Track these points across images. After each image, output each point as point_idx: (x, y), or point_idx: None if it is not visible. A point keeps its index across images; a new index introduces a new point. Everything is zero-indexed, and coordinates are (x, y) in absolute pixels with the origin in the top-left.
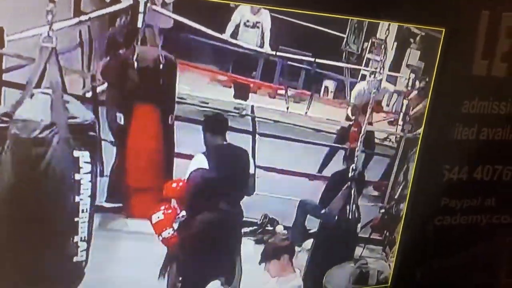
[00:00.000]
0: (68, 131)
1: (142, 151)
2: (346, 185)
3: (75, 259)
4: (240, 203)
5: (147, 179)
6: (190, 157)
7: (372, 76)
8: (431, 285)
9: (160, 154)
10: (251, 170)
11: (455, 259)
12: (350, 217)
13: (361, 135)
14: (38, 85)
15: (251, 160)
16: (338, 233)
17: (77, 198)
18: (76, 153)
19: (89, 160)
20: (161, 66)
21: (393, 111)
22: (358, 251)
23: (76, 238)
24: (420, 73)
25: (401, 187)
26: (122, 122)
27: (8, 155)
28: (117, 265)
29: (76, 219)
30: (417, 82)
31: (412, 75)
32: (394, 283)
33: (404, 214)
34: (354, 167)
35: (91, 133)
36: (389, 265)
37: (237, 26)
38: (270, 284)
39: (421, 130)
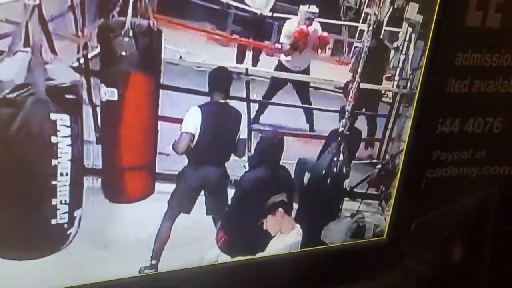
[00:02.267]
0: (45, 93)
1: (125, 123)
2: (337, 140)
3: (53, 221)
4: (225, 164)
5: (135, 154)
6: (176, 120)
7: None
8: (425, 236)
9: (146, 124)
10: (244, 134)
11: (447, 210)
12: (337, 171)
13: (352, 89)
14: (24, 45)
15: (246, 124)
16: (327, 188)
17: (54, 162)
18: (53, 116)
19: (68, 123)
20: (140, 29)
21: (391, 66)
22: (355, 206)
23: (55, 201)
24: (418, 27)
25: (396, 142)
26: (111, 95)
27: None
28: (118, 224)
29: (53, 182)
30: (413, 36)
31: (410, 29)
32: (390, 235)
33: (400, 169)
34: (344, 123)
35: (70, 96)
36: (385, 218)
37: None
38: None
39: (417, 85)
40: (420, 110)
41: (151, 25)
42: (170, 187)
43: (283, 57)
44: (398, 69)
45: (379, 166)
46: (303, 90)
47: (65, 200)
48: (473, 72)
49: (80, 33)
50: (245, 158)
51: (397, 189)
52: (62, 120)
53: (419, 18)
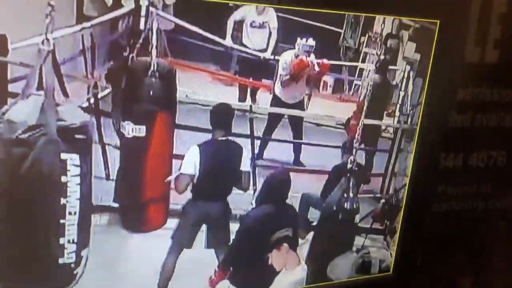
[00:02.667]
0: (56, 133)
1: (149, 157)
2: (345, 177)
3: (60, 260)
4: (227, 198)
5: (155, 187)
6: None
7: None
8: (432, 271)
9: (165, 159)
10: (247, 168)
11: (454, 243)
12: (348, 208)
13: (359, 127)
14: (38, 88)
15: (249, 158)
16: (338, 224)
17: (63, 201)
18: (63, 156)
19: (78, 163)
20: (163, 70)
21: (391, 103)
22: (360, 241)
23: (62, 240)
24: (416, 64)
25: (399, 177)
26: (139, 132)
27: None
28: (123, 261)
29: (62, 221)
30: (411, 74)
31: (408, 67)
32: (396, 271)
33: (404, 203)
34: (352, 159)
35: (79, 136)
36: (390, 253)
37: (238, 23)
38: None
39: (417, 121)
40: (421, 145)
41: (170, 66)
42: (174, 222)
43: (277, 90)
44: (398, 105)
45: (383, 200)
46: (297, 123)
47: (73, 239)
48: (474, 107)
49: (90, 75)
50: (252, 192)
51: (402, 223)
52: (72, 159)
53: (416, 57)
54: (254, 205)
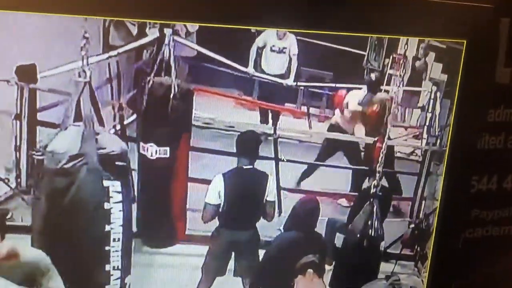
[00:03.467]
0: (97, 161)
1: (171, 178)
2: (368, 201)
3: None
4: (256, 225)
5: (173, 208)
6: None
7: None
8: None
9: (184, 180)
10: (273, 198)
11: (488, 271)
12: (373, 234)
13: (382, 150)
14: (75, 120)
15: (274, 187)
16: (362, 250)
17: (107, 227)
18: (106, 183)
19: (119, 189)
20: (183, 93)
21: (417, 125)
22: (390, 267)
23: (108, 267)
24: (443, 85)
25: (429, 201)
26: (164, 153)
27: (42, 186)
28: None
29: (107, 248)
30: (438, 95)
31: (434, 88)
32: None
33: (435, 228)
34: (376, 184)
35: (119, 163)
36: (422, 280)
37: (261, 49)
38: None
39: (446, 142)
40: (452, 167)
41: (190, 88)
42: (201, 249)
43: (339, 120)
44: (426, 127)
45: (412, 225)
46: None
47: (118, 266)
48: (507, 128)
49: (116, 102)
50: (278, 221)
51: (433, 249)
52: (114, 186)
53: (443, 78)
54: (282, 231)
